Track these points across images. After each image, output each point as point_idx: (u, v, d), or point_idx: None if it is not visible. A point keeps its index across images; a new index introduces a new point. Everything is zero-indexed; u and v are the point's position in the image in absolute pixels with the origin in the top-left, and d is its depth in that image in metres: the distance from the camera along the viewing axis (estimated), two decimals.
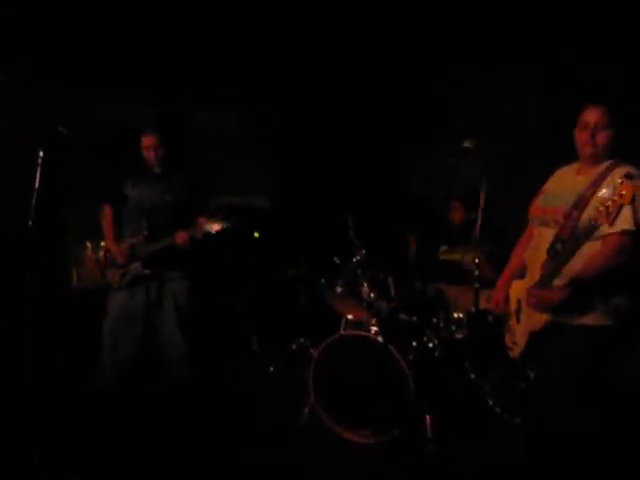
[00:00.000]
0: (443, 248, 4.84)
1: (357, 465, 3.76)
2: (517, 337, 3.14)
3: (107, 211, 4.44)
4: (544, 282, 2.89)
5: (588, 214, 2.76)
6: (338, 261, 4.52)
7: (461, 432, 3.98)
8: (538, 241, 3.07)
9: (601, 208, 2.46)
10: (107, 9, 5.36)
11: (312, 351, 4.34)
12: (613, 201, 2.42)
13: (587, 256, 2.78)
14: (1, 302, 4.85)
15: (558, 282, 2.85)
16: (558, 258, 2.84)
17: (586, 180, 2.92)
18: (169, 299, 4.38)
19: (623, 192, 2.38)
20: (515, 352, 3.18)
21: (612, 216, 2.44)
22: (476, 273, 4.27)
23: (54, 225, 5.08)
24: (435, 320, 4.42)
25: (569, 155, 3.08)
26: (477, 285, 4.28)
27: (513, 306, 3.19)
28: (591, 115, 2.90)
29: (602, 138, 2.88)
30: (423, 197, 5.87)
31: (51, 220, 4.76)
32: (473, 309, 4.32)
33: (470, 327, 4.33)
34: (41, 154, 4.05)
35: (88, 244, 4.43)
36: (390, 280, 4.32)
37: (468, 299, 4.39)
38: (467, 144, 3.79)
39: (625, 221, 2.67)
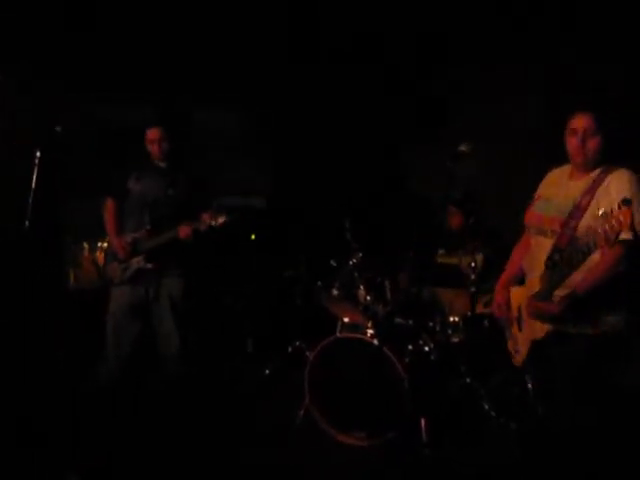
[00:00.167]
0: (441, 252, 4.84)
1: (352, 468, 3.77)
2: (519, 345, 3.14)
3: (109, 204, 4.42)
4: (544, 294, 2.88)
5: (585, 223, 2.77)
6: (335, 264, 4.52)
7: (456, 436, 3.99)
8: (536, 250, 3.06)
9: (600, 231, 2.43)
10: (107, 9, 5.36)
11: (308, 353, 4.34)
12: (611, 227, 2.37)
13: (586, 267, 2.76)
14: (1, 302, 4.87)
15: (558, 292, 2.84)
16: (557, 269, 2.83)
17: (580, 186, 2.91)
18: (165, 296, 4.38)
19: (621, 218, 2.34)
20: (518, 359, 3.18)
21: (611, 241, 2.41)
22: (472, 277, 4.27)
23: (51, 225, 5.11)
24: (431, 324, 4.42)
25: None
26: (473, 289, 4.28)
27: (514, 313, 3.18)
28: (579, 122, 2.88)
29: (592, 144, 2.87)
30: (422, 198, 5.86)
31: (48, 220, 4.79)
32: (469, 313, 4.32)
33: (466, 331, 4.33)
34: (38, 154, 4.07)
35: (85, 245, 4.43)
36: (386, 283, 4.32)
37: (464, 303, 4.39)
38: (463, 147, 3.77)
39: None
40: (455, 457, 3.80)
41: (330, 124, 6.12)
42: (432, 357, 4.21)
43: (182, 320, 4.39)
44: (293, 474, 3.68)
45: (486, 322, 4.26)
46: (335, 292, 4.29)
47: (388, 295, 4.29)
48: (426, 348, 4.23)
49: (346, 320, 4.30)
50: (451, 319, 4.40)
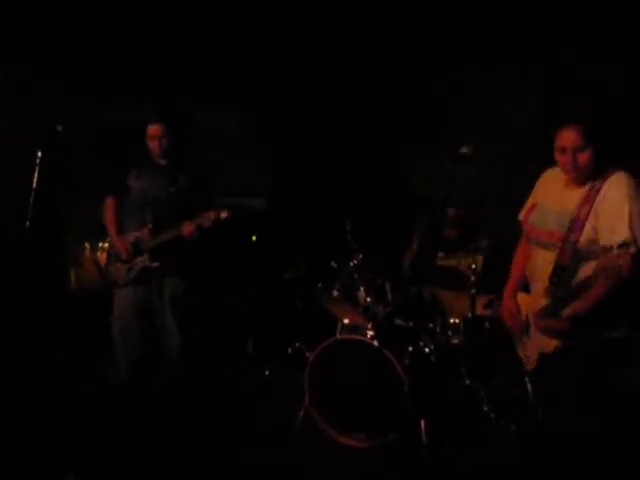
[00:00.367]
0: (440, 254, 4.83)
1: (351, 469, 3.77)
2: (529, 351, 3.14)
3: (109, 203, 4.42)
4: (551, 310, 2.87)
5: (586, 237, 2.77)
6: (335, 265, 4.52)
7: (456, 437, 3.99)
8: (537, 260, 3.06)
9: (601, 268, 2.42)
10: (107, 9, 5.35)
11: (308, 354, 4.34)
12: (612, 267, 2.37)
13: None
14: (1, 301, 4.87)
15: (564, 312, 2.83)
16: (561, 286, 2.83)
17: (576, 196, 2.89)
18: (168, 296, 4.38)
19: (620, 262, 2.34)
20: (529, 366, 3.16)
21: (611, 280, 2.42)
22: (472, 279, 4.27)
23: (52, 225, 5.11)
24: (431, 325, 4.41)
25: None
26: (473, 291, 4.28)
27: (523, 320, 3.18)
28: (567, 139, 2.83)
29: (583, 159, 2.82)
30: (423, 199, 5.85)
31: (49, 220, 4.79)
32: (469, 315, 4.32)
33: (466, 333, 4.32)
34: (39, 154, 4.07)
35: (87, 245, 4.44)
36: (387, 285, 4.32)
37: (465, 305, 4.39)
38: (464, 150, 3.77)
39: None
40: (455, 458, 3.80)
41: (330, 124, 6.11)
42: (432, 359, 4.21)
43: (183, 320, 4.40)
44: (293, 475, 3.69)
45: (486, 324, 4.26)
46: (335, 293, 4.29)
47: (388, 296, 4.29)
48: (426, 350, 4.23)
49: (346, 321, 4.30)
50: (451, 321, 4.39)
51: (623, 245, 2.35)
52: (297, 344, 4.90)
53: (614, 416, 3.09)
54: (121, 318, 4.36)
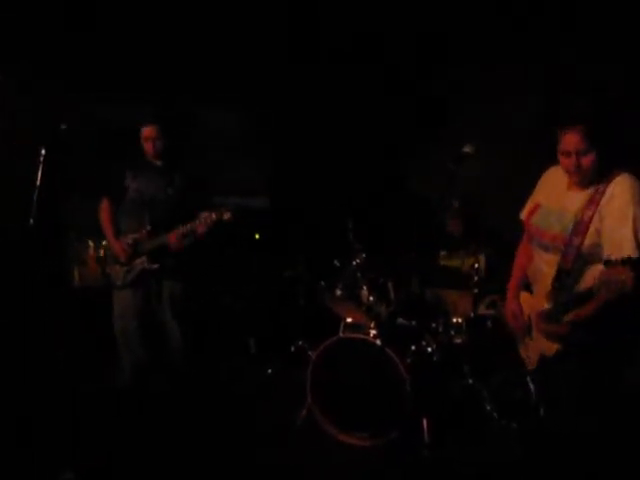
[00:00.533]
0: (443, 253, 4.85)
1: (353, 468, 3.78)
2: (530, 352, 3.13)
3: (105, 205, 4.42)
4: (553, 315, 2.85)
5: (590, 241, 2.76)
6: (338, 264, 4.52)
7: (458, 436, 4.00)
8: (539, 263, 3.05)
9: (603, 280, 2.39)
10: (107, 9, 5.35)
11: (310, 353, 4.34)
12: (615, 282, 2.34)
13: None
14: (2, 301, 4.86)
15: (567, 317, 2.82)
16: (564, 290, 2.83)
17: (580, 198, 2.87)
18: (167, 296, 4.38)
19: (624, 277, 2.31)
20: (530, 366, 3.15)
21: (614, 293, 2.37)
22: (475, 279, 4.28)
23: (55, 223, 5.10)
24: (434, 325, 4.42)
25: None
26: (476, 290, 4.29)
27: (526, 320, 3.17)
28: (570, 142, 2.78)
29: (587, 162, 2.78)
30: (423, 199, 5.86)
31: (52, 218, 4.79)
32: (472, 314, 4.33)
33: (469, 332, 4.32)
34: (43, 152, 4.06)
35: (90, 243, 4.43)
36: (390, 284, 4.33)
37: (467, 304, 4.40)
38: (467, 149, 3.77)
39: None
40: (457, 457, 3.81)
41: (330, 124, 6.12)
42: (434, 358, 4.22)
43: (184, 320, 4.40)
44: (294, 474, 3.69)
45: (489, 323, 4.26)
46: (338, 292, 4.30)
47: (391, 296, 4.30)
48: (429, 349, 4.24)
49: (349, 320, 4.30)
50: (454, 320, 4.39)
51: (627, 261, 2.34)
52: (299, 343, 4.90)
53: (615, 417, 3.09)
54: (121, 320, 4.36)
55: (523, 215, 3.24)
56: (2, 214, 5.00)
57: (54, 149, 4.13)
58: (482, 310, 4.30)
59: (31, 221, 4.03)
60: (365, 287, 4.24)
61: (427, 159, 5.89)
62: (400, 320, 4.31)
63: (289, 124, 6.34)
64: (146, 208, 4.25)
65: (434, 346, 4.25)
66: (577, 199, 2.88)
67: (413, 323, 4.32)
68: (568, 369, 2.91)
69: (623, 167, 2.84)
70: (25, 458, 3.59)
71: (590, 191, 2.84)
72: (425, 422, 3.83)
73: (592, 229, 2.77)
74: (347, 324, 4.29)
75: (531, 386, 3.90)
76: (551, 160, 3.03)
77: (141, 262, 4.26)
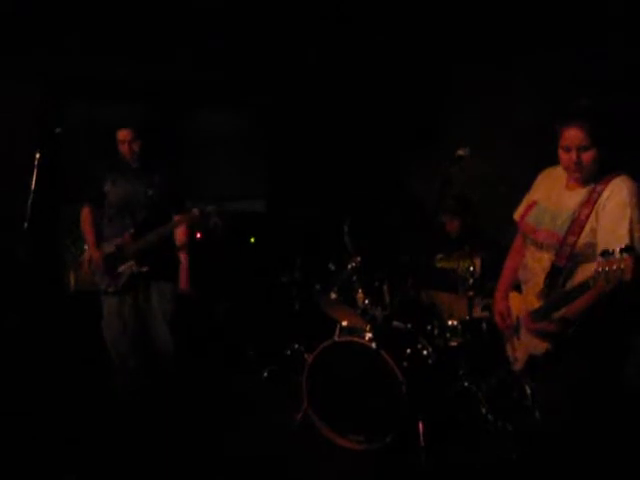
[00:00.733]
0: (439, 256, 4.84)
1: (349, 471, 3.79)
2: (517, 352, 3.13)
3: (86, 212, 4.40)
4: (543, 313, 2.84)
5: (584, 240, 2.75)
6: (333, 267, 4.52)
7: (454, 439, 4.00)
8: (531, 262, 3.03)
9: (600, 271, 2.38)
10: (106, 9, 5.35)
11: (306, 356, 4.34)
12: (613, 271, 2.33)
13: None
14: None
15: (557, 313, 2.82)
16: (556, 289, 2.83)
17: (577, 198, 2.85)
18: (156, 300, 4.34)
19: (622, 266, 2.30)
20: (517, 366, 3.16)
21: (611, 285, 2.37)
22: (470, 281, 4.28)
23: (51, 227, 5.10)
24: (429, 327, 4.42)
25: None
26: (471, 293, 4.29)
27: (513, 321, 3.16)
28: (571, 138, 2.76)
29: (587, 158, 2.76)
30: (419, 201, 5.86)
31: (47, 222, 4.79)
32: (467, 317, 4.33)
33: (464, 335, 4.33)
34: (38, 156, 4.07)
35: (85, 247, 4.41)
36: (385, 287, 4.33)
37: (463, 307, 4.39)
38: (461, 152, 3.78)
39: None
40: (453, 460, 3.81)
41: (327, 127, 6.13)
42: (430, 361, 4.21)
43: (176, 323, 4.38)
44: (290, 477, 3.70)
45: (484, 326, 4.26)
46: (333, 296, 4.29)
47: (387, 299, 4.30)
48: (424, 352, 4.23)
49: (344, 324, 4.30)
50: (449, 323, 4.39)
51: (626, 249, 2.33)
52: (295, 346, 4.91)
53: (608, 417, 3.10)
54: (110, 326, 4.34)
55: (517, 215, 3.23)
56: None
57: (51, 152, 4.13)
58: (477, 313, 4.30)
59: (25, 225, 4.03)
60: (360, 290, 4.24)
61: (425, 162, 5.88)
62: (396, 323, 4.31)
63: (285, 127, 6.35)
64: (127, 211, 4.25)
65: (430, 349, 4.24)
66: (574, 198, 2.87)
67: (409, 326, 4.32)
68: (559, 369, 2.90)
69: (622, 168, 2.83)
70: (28, 461, 3.61)
71: (587, 190, 2.83)
72: (421, 425, 3.83)
73: (587, 228, 2.76)
74: (343, 327, 4.28)
75: (527, 388, 3.90)
76: (550, 161, 3.02)
77: (129, 266, 4.23)
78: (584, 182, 2.85)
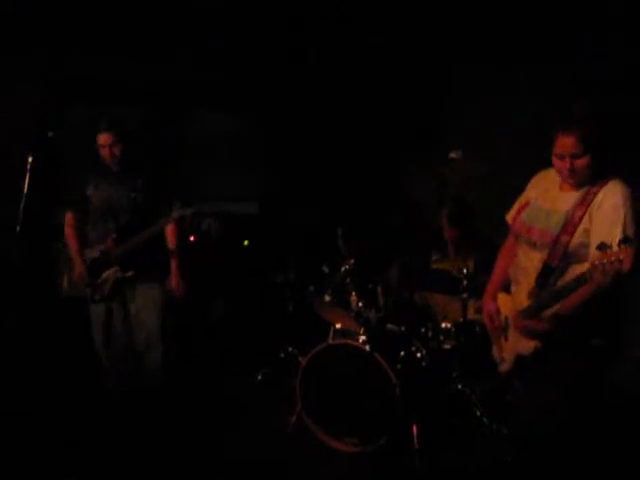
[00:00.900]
0: (435, 257, 4.84)
1: (343, 474, 3.79)
2: (504, 353, 3.13)
3: (69, 219, 4.38)
4: (533, 311, 2.85)
5: (578, 240, 2.76)
6: (327, 270, 4.51)
7: (448, 442, 4.00)
8: (524, 261, 3.03)
9: (597, 264, 2.39)
10: (104, 10, 5.34)
11: (300, 359, 4.33)
12: (611, 263, 2.33)
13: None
14: None
15: (548, 311, 2.82)
16: (548, 288, 2.83)
17: (571, 199, 2.87)
18: (143, 304, 4.30)
19: (621, 257, 2.30)
20: (503, 367, 3.16)
21: (608, 277, 2.37)
22: (464, 283, 4.27)
23: (44, 230, 5.09)
24: (423, 330, 4.41)
25: None
26: (465, 295, 4.28)
27: (501, 322, 3.16)
28: (565, 145, 2.77)
29: (581, 165, 2.77)
30: (415, 203, 5.86)
31: (40, 225, 4.77)
32: (461, 319, 4.32)
33: (458, 337, 4.33)
34: (30, 159, 4.05)
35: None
36: (379, 290, 4.32)
37: (456, 309, 4.39)
38: (453, 154, 3.79)
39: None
40: (447, 463, 3.81)
41: (320, 129, 6.12)
42: (424, 363, 4.21)
43: (165, 326, 4.35)
44: None
45: (478, 328, 4.26)
46: (327, 298, 4.28)
47: (380, 301, 4.30)
48: (418, 354, 4.23)
49: (338, 326, 4.30)
50: (443, 325, 4.39)
51: (625, 241, 2.34)
52: (289, 349, 4.90)
53: (603, 416, 3.10)
54: (98, 334, 4.33)
55: (509, 217, 3.24)
56: None
57: (44, 155, 4.12)
58: (471, 315, 4.30)
59: (18, 228, 4.01)
60: (354, 293, 4.23)
61: (424, 162, 5.86)
62: (389, 326, 4.31)
63: (278, 129, 6.35)
64: (111, 215, 4.23)
65: (423, 351, 4.24)
66: (568, 199, 2.89)
67: (402, 329, 4.32)
68: (550, 368, 2.90)
69: (616, 173, 2.84)
70: (28, 464, 3.60)
71: (581, 192, 2.85)
72: (415, 428, 3.83)
73: (581, 229, 2.78)
74: (336, 330, 4.28)
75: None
76: (548, 162, 3.03)
77: (114, 272, 4.21)
78: (577, 187, 2.87)
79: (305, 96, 6.15)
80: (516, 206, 3.22)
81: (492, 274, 3.36)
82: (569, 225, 2.80)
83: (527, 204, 3.12)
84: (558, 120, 2.83)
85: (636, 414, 4.13)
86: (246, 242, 5.96)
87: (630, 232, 2.64)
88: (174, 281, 4.29)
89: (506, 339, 3.11)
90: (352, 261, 4.33)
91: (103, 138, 4.18)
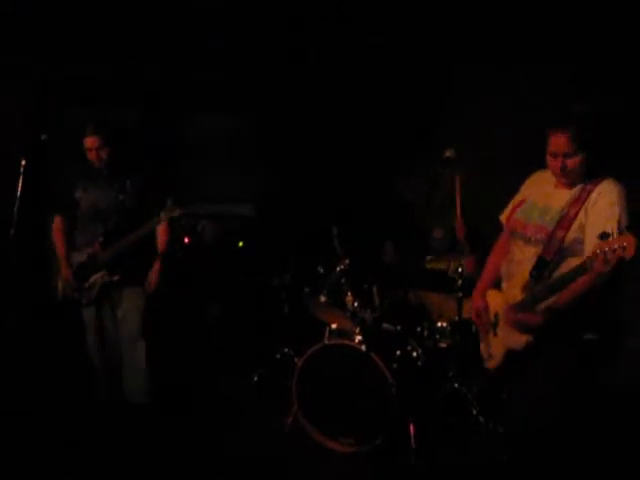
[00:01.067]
0: (429, 257, 4.84)
1: (340, 474, 3.79)
2: (493, 349, 3.15)
3: (57, 223, 4.38)
4: (527, 305, 2.87)
5: (573, 235, 2.79)
6: (322, 270, 4.51)
7: (444, 441, 4.01)
8: (518, 256, 3.05)
9: (598, 252, 2.40)
10: (103, 10, 5.33)
11: (296, 360, 4.34)
12: (614, 251, 2.35)
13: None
14: None
15: (541, 305, 2.84)
16: (542, 281, 2.84)
17: (566, 196, 2.91)
18: (129, 308, 4.29)
19: (625, 244, 2.32)
20: (491, 364, 3.18)
21: (610, 265, 2.38)
22: (459, 282, 4.28)
23: (38, 234, 5.08)
24: (419, 329, 4.42)
25: None
26: (460, 294, 4.29)
27: (490, 318, 3.18)
28: (557, 144, 2.83)
29: (573, 164, 2.82)
30: (411, 204, 5.85)
31: (35, 229, 4.76)
32: (457, 318, 4.33)
33: (454, 336, 4.34)
34: (23, 162, 4.04)
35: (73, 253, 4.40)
36: (374, 289, 4.33)
37: (452, 308, 4.40)
38: (448, 154, 3.79)
39: None
40: (443, 462, 3.82)
41: (316, 131, 6.11)
42: (420, 363, 4.22)
43: (152, 330, 4.34)
44: None
45: (473, 327, 4.26)
46: (323, 299, 4.29)
47: (376, 301, 4.30)
48: (414, 354, 4.24)
49: (334, 326, 4.30)
50: (439, 324, 4.41)
51: (629, 227, 2.36)
52: (285, 350, 4.90)
53: (596, 410, 3.11)
54: (89, 336, 4.33)
55: (503, 217, 3.27)
56: None
57: (37, 158, 4.11)
58: (467, 314, 4.30)
59: (12, 232, 4.01)
60: (349, 293, 4.24)
61: (424, 162, 5.84)
62: (385, 325, 4.31)
63: (275, 130, 6.33)
64: (99, 218, 4.22)
65: (419, 351, 4.25)
66: (563, 196, 2.93)
67: (398, 328, 4.32)
68: (543, 362, 2.91)
69: (609, 171, 2.88)
70: (28, 464, 3.61)
71: (576, 190, 2.89)
72: (411, 427, 3.84)
73: (576, 224, 2.81)
74: (332, 330, 4.28)
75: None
76: (542, 164, 3.05)
77: (101, 276, 4.20)
78: (571, 185, 2.92)
79: (305, 96, 6.14)
80: (510, 206, 3.27)
81: (483, 271, 3.37)
82: (564, 221, 2.84)
83: (522, 203, 3.16)
84: (552, 120, 2.86)
85: (631, 407, 4.15)
86: (241, 243, 5.95)
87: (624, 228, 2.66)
88: (152, 278, 4.26)
89: (495, 335, 3.13)
90: (347, 261, 4.34)
91: (89, 141, 4.17)
